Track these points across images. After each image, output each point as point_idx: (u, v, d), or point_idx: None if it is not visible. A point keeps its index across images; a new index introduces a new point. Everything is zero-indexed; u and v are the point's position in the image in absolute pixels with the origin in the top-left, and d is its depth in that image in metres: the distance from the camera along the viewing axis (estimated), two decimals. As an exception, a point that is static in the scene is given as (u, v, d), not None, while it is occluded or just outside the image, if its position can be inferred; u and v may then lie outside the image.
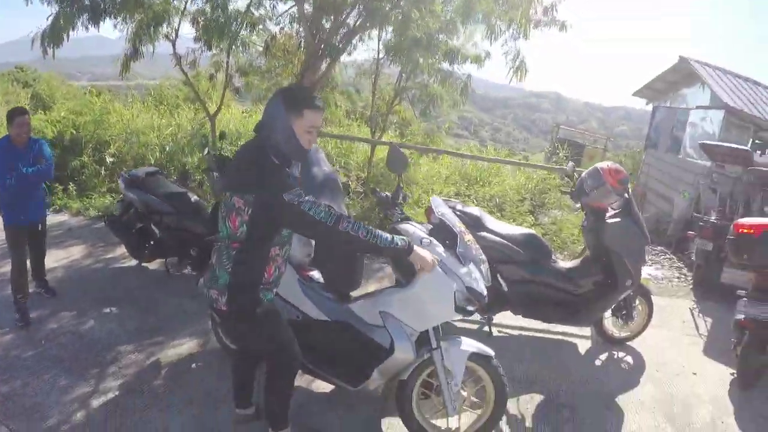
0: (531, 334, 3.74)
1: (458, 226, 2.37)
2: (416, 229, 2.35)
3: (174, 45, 6.21)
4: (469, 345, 2.32)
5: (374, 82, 7.25)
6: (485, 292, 2.28)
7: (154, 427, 2.46)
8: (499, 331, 3.73)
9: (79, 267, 4.32)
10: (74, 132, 6.65)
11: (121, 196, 4.36)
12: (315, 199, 1.87)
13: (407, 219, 2.47)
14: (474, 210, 3.54)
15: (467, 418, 2.46)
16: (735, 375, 3.27)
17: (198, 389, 2.76)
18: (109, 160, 5.94)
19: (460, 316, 2.25)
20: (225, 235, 1.95)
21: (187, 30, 6.34)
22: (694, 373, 3.36)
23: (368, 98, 8.48)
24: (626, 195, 3.35)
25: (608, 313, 3.59)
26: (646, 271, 4.06)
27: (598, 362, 3.44)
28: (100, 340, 3.19)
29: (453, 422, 2.43)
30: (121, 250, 4.38)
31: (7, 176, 3.18)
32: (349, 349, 2.43)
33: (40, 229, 3.55)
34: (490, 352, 2.34)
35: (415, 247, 2.02)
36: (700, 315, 4.31)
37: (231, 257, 1.94)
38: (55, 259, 4.34)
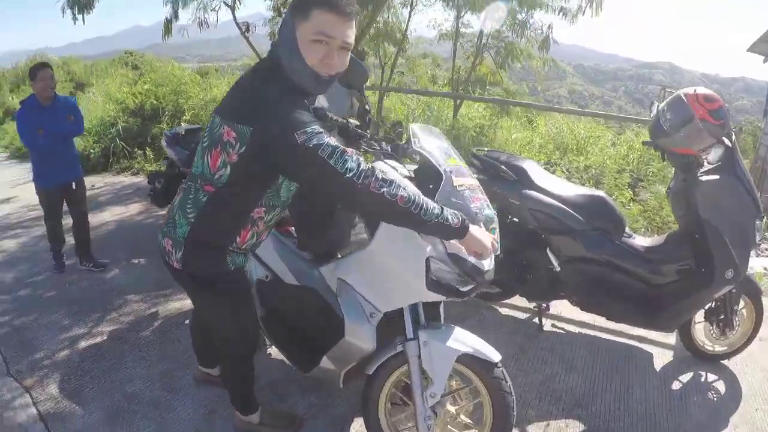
0: (595, 333, 2.84)
1: (448, 164, 1.68)
2: (390, 168, 1.72)
3: (233, 10, 6.27)
4: (462, 342, 1.64)
5: (455, 41, 6.72)
6: (486, 267, 1.57)
7: (121, 376, 2.35)
8: (554, 326, 2.91)
9: (131, 221, 4.54)
10: (155, 102, 7.14)
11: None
12: (340, 144, 1.31)
13: (391, 156, 1.81)
14: (524, 162, 2.68)
15: None
16: None
17: (178, 345, 2.60)
18: (184, 126, 6.25)
19: (441, 297, 1.58)
20: (199, 172, 1.44)
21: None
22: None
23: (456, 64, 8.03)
24: (726, 140, 2.22)
25: (700, 317, 2.55)
26: (760, 263, 2.86)
27: (676, 384, 2.44)
28: (116, 288, 3.23)
29: None
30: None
31: (37, 135, 3.10)
32: (307, 325, 1.96)
33: (74, 188, 3.38)
34: (494, 356, 1.64)
35: (471, 227, 1.42)
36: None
37: (198, 204, 1.45)
38: (112, 213, 4.67)
